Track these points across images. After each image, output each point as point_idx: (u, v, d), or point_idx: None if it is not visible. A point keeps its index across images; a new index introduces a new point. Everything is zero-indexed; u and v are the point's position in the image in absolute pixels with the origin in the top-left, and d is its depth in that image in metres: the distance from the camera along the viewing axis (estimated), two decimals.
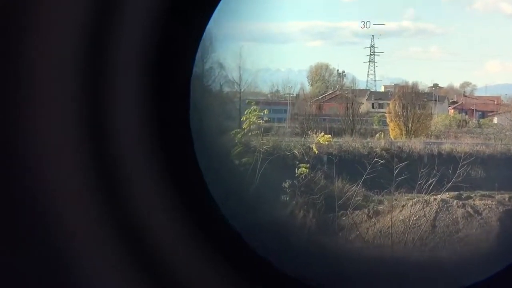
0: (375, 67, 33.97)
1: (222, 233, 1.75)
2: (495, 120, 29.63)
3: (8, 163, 1.57)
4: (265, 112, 17.44)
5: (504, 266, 1.78)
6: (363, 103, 30.12)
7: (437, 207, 17.30)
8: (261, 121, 16.81)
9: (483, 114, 32.91)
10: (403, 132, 25.56)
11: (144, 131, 1.68)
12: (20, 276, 1.59)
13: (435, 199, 17.34)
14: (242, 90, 22.43)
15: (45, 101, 1.58)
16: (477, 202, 18.05)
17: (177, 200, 1.70)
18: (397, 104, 26.67)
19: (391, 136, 25.37)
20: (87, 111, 1.60)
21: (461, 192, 18.07)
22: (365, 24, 24.16)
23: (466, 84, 38.33)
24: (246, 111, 16.77)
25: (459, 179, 17.07)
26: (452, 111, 32.92)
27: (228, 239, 1.75)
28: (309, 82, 34.03)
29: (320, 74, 34.87)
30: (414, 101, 26.74)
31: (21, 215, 1.59)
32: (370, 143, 21.94)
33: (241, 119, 16.66)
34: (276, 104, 26.74)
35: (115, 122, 1.64)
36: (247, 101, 18.80)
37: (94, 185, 1.62)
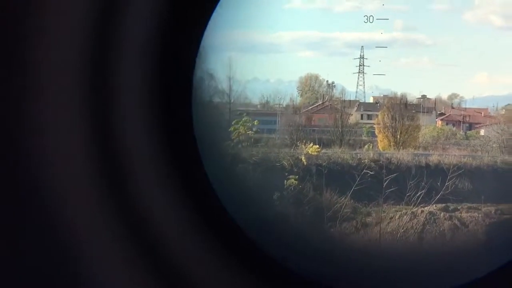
0: (364, 78, 33.99)
1: (225, 228, 1.78)
2: (482, 132, 29.78)
3: (14, 162, 1.59)
4: (255, 123, 17.42)
5: (491, 269, 1.82)
6: (352, 114, 30.14)
7: (424, 219, 17.35)
8: (250, 132, 16.77)
9: (470, 126, 33.06)
10: (392, 144, 25.59)
11: (149, 132, 1.71)
12: (27, 274, 1.61)
13: (422, 211, 17.38)
14: (232, 101, 22.39)
15: (50, 103, 1.60)
16: (464, 215, 18.12)
17: (182, 197, 1.72)
18: (386, 116, 26.73)
19: (380, 148, 25.38)
20: (92, 114, 1.63)
21: (448, 204, 18.14)
22: (368, 19, 23.57)
23: (454, 96, 38.39)
24: (234, 121, 16.69)
25: (447, 191, 17.13)
26: (440, 122, 33.05)
27: (231, 233, 1.78)
28: (298, 93, 34.00)
29: (309, 84, 34.82)
30: (402, 112, 26.81)
31: (27, 214, 1.61)
32: (358, 154, 21.92)
33: (230, 129, 16.60)
34: (265, 115, 26.69)
35: (120, 123, 1.67)
36: (238, 112, 18.73)
37: (100, 185, 1.64)
